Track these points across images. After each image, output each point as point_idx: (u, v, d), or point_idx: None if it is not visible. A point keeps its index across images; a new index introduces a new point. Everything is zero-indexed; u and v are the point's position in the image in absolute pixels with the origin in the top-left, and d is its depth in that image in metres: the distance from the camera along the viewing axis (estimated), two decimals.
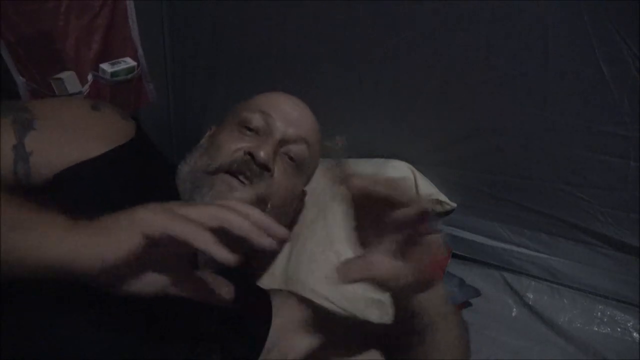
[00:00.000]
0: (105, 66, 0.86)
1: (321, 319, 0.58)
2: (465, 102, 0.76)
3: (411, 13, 0.71)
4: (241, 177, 0.54)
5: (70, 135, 0.48)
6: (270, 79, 0.91)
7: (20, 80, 0.78)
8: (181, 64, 1.01)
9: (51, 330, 0.39)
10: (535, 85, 0.68)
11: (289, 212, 0.64)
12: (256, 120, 0.59)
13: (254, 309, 0.56)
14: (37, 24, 0.75)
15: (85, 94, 0.85)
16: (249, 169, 0.54)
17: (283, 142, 0.58)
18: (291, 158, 0.59)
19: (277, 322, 0.55)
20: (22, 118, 0.46)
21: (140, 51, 0.91)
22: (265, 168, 0.55)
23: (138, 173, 0.51)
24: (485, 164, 0.81)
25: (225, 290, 0.39)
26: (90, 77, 0.86)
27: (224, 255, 0.33)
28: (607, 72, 0.63)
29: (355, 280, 0.38)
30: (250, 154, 0.55)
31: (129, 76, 0.90)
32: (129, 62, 0.90)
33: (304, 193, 0.71)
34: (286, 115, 0.60)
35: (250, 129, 0.58)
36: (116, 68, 0.87)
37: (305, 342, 0.54)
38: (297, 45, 0.84)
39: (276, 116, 0.59)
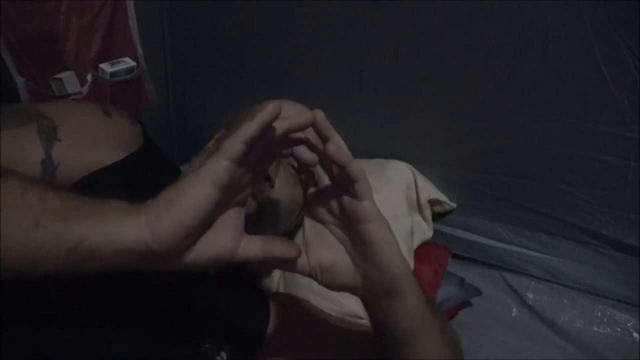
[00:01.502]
0: (104, 66, 0.86)
1: (318, 321, 0.58)
2: (465, 102, 0.76)
3: (411, 13, 0.71)
4: None
5: (89, 143, 0.47)
6: (270, 79, 0.91)
7: (19, 80, 0.79)
8: (181, 64, 1.01)
9: (53, 329, 0.39)
10: (535, 85, 0.68)
11: (290, 221, 0.63)
12: None
13: (253, 310, 0.57)
14: (37, 24, 0.75)
15: (84, 94, 0.85)
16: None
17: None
18: (295, 168, 0.59)
19: (274, 324, 0.56)
20: (44, 126, 0.45)
21: (139, 51, 0.92)
22: (265, 179, 0.54)
23: (151, 180, 0.50)
24: (485, 164, 0.81)
25: (294, 246, 0.36)
26: (89, 77, 0.86)
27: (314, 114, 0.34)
28: (607, 72, 0.63)
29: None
30: None
31: (129, 76, 0.90)
32: (129, 62, 0.90)
33: None
34: None
35: None
36: (116, 68, 0.88)
37: (301, 344, 0.54)
38: (297, 45, 0.84)
39: None
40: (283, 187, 0.56)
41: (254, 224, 0.53)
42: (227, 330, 0.50)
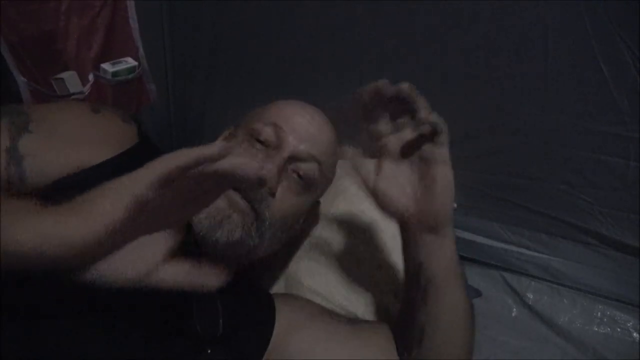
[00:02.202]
0: (106, 66, 0.87)
1: (324, 320, 0.58)
2: (465, 102, 0.76)
3: (411, 13, 0.71)
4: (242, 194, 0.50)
5: (70, 139, 0.47)
6: (270, 79, 0.91)
7: (21, 80, 0.79)
8: (181, 64, 1.01)
9: (53, 329, 0.39)
10: (535, 85, 0.68)
11: (292, 229, 0.59)
12: (266, 133, 0.54)
13: (257, 311, 0.56)
14: (38, 24, 0.75)
15: (86, 93, 0.85)
16: (249, 186, 0.49)
17: (292, 158, 0.54)
18: (300, 176, 0.54)
19: (279, 324, 0.55)
20: (18, 121, 0.44)
21: (141, 51, 0.92)
22: (265, 187, 0.51)
23: None
24: (485, 164, 0.81)
25: (215, 274, 0.34)
26: (91, 77, 0.86)
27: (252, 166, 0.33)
28: (607, 72, 0.63)
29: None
30: None
31: (130, 76, 0.90)
32: (130, 62, 0.90)
33: (317, 204, 0.66)
34: (300, 129, 0.55)
35: (260, 142, 0.54)
36: (117, 68, 0.88)
37: (306, 342, 0.54)
38: (297, 45, 0.84)
39: (289, 130, 0.54)
40: (285, 196, 0.53)
41: (254, 235, 0.51)
42: (231, 334, 0.50)
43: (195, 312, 0.47)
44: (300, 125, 0.55)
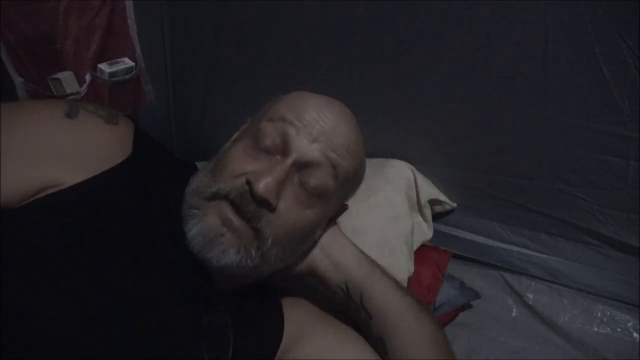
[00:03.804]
0: (103, 66, 0.86)
1: (330, 323, 0.57)
2: (465, 102, 0.76)
3: (411, 13, 0.71)
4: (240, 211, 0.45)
5: (38, 151, 0.41)
6: (270, 79, 0.91)
7: (18, 80, 0.78)
8: (181, 64, 1.01)
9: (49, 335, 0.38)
10: (535, 85, 0.68)
11: (302, 248, 0.53)
12: (271, 136, 0.48)
13: (266, 323, 0.55)
14: (36, 24, 0.75)
15: (83, 94, 0.85)
16: (245, 202, 0.45)
17: (301, 164, 0.47)
18: (310, 187, 0.48)
19: (287, 332, 0.54)
20: None
21: (138, 51, 0.91)
22: (263, 204, 0.45)
23: (132, 207, 0.44)
24: (485, 164, 0.81)
25: None
26: (88, 77, 0.86)
27: None
28: (607, 72, 0.63)
29: None
30: (249, 183, 0.45)
31: (127, 76, 0.90)
32: (128, 62, 0.90)
33: (343, 207, 0.58)
34: (313, 127, 0.48)
35: (264, 146, 0.48)
36: (114, 68, 0.87)
37: (315, 348, 0.53)
38: (296, 45, 0.84)
39: (297, 130, 0.47)
40: (291, 209, 0.47)
41: (254, 256, 0.47)
42: (239, 350, 0.48)
43: (205, 342, 0.45)
44: (314, 122, 0.48)
